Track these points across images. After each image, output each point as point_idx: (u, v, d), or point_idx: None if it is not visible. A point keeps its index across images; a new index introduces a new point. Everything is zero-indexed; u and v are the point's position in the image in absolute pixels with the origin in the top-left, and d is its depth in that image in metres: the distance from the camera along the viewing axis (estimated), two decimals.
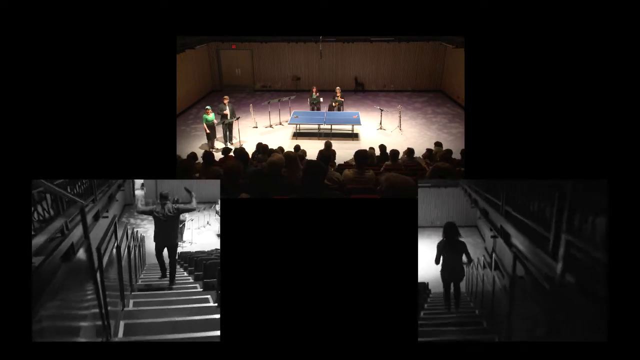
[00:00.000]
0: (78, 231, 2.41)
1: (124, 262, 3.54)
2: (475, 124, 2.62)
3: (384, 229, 2.20)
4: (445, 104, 13.06)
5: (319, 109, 11.46)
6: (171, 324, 3.08)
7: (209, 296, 4.24)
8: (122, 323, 3.06)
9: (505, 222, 3.10)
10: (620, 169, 2.33)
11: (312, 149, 7.33)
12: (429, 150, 7.54)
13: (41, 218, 2.19)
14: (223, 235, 2.25)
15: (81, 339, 2.04)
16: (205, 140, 9.54)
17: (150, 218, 4.98)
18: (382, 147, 7.01)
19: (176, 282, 5.12)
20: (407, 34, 8.85)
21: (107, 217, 3.57)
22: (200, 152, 7.44)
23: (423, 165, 6.15)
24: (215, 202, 11.26)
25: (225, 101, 9.37)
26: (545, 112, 2.53)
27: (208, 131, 9.10)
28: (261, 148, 6.96)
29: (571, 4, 2.47)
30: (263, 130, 10.78)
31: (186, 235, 9.51)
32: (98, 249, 2.55)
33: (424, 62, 14.34)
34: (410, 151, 6.78)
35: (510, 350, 2.17)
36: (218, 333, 2.53)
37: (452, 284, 4.18)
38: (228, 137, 9.58)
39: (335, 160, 6.69)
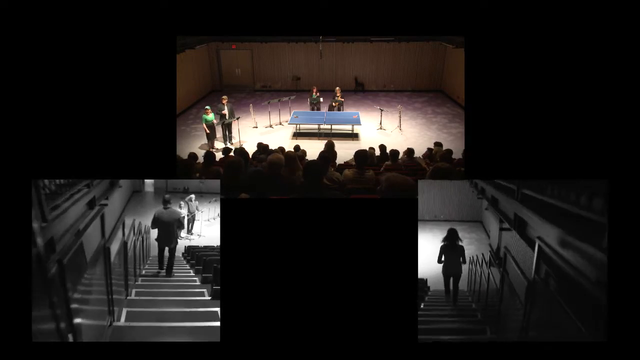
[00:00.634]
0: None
1: (130, 254, 3.86)
2: (475, 124, 2.62)
3: (384, 229, 2.20)
4: (445, 104, 13.06)
5: (319, 109, 11.46)
6: (168, 313, 3.42)
7: (205, 290, 4.49)
8: (124, 310, 3.29)
9: (521, 209, 2.74)
10: (620, 169, 2.33)
11: (312, 149, 7.33)
12: (429, 149, 7.54)
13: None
14: (223, 235, 2.26)
15: (90, 322, 2.30)
16: (205, 140, 9.54)
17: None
18: (382, 147, 7.01)
19: (178, 276, 5.54)
20: (407, 34, 8.85)
21: (106, 204, 3.25)
22: (200, 152, 7.44)
23: (423, 165, 6.15)
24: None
25: (224, 101, 9.36)
26: (545, 112, 2.53)
27: (208, 131, 9.10)
28: (262, 148, 6.96)
29: (571, 4, 2.47)
30: (263, 130, 10.78)
31: (196, 227, 9.42)
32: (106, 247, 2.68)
33: (424, 62, 14.34)
34: (410, 151, 6.78)
35: (510, 350, 2.17)
36: (212, 324, 3.00)
37: (451, 280, 4.97)
38: (227, 137, 9.58)
39: (336, 160, 6.68)
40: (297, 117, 10.50)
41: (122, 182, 9.06)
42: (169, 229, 5.50)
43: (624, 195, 2.18)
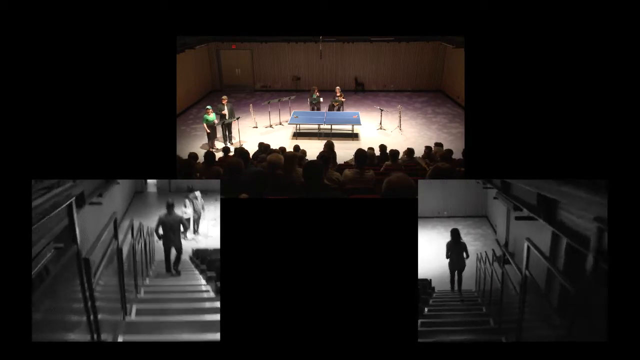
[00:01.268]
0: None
1: (127, 264, 3.45)
2: (475, 124, 2.62)
3: (384, 229, 2.20)
4: (445, 104, 13.06)
5: (319, 109, 11.46)
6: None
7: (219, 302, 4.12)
8: (134, 306, 3.19)
9: (550, 185, 2.48)
10: (621, 169, 2.33)
11: (312, 149, 7.33)
12: (428, 148, 7.51)
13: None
14: (223, 235, 2.26)
15: (107, 317, 2.30)
16: (205, 140, 9.54)
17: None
18: (382, 147, 7.01)
19: (187, 285, 5.33)
20: (407, 34, 8.83)
21: (99, 203, 3.11)
22: (200, 152, 7.44)
23: (423, 165, 6.15)
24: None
25: (224, 101, 9.36)
26: (545, 112, 2.53)
27: (208, 131, 9.10)
28: (263, 148, 6.96)
29: (571, 4, 2.47)
30: (263, 130, 10.78)
31: (202, 227, 8.86)
32: (86, 258, 2.23)
33: (424, 62, 14.34)
34: (410, 151, 6.78)
35: (510, 350, 2.17)
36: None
37: (456, 273, 5.85)
38: (227, 137, 9.58)
39: (336, 160, 6.68)
40: (297, 117, 10.50)
41: (123, 182, 8.87)
42: (173, 230, 5.88)
43: (624, 195, 2.18)
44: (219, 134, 9.70)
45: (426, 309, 4.83)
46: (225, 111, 9.30)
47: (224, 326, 2.20)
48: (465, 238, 7.95)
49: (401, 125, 10.59)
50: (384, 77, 14.78)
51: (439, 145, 7.82)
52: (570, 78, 2.50)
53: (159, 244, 6.23)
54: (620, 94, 2.41)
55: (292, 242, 2.21)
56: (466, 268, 5.92)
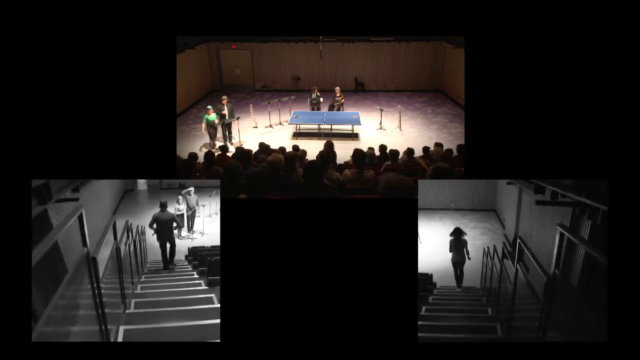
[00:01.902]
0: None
1: (124, 261, 3.66)
2: (475, 124, 2.62)
3: (384, 229, 2.20)
4: (445, 104, 13.05)
5: (319, 109, 11.46)
6: (174, 330, 3.26)
7: (212, 295, 4.28)
8: (122, 329, 3.19)
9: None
10: (621, 169, 2.33)
11: (312, 149, 7.33)
12: (425, 148, 7.49)
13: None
14: (223, 235, 2.26)
15: (110, 310, 2.49)
16: (205, 140, 9.53)
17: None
18: (382, 147, 7.01)
19: (183, 282, 5.40)
20: (407, 34, 8.82)
21: (75, 199, 3.03)
22: (200, 152, 7.43)
23: (423, 166, 6.15)
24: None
25: (224, 101, 9.36)
26: (545, 111, 2.53)
27: (202, 132, 9.04)
28: (263, 148, 6.96)
29: (571, 4, 2.47)
30: (263, 130, 10.77)
31: (197, 224, 8.64)
32: (94, 257, 2.39)
33: (424, 62, 14.33)
34: (410, 151, 6.78)
35: (510, 349, 2.17)
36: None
37: (457, 267, 6.20)
38: (227, 137, 9.58)
39: (336, 160, 6.67)
40: (297, 117, 10.49)
41: (112, 182, 8.83)
42: (167, 226, 6.22)
43: (624, 195, 2.18)
44: (219, 134, 9.70)
45: (424, 308, 4.61)
46: (225, 111, 9.29)
47: (224, 326, 2.20)
48: (472, 232, 7.92)
49: (401, 125, 10.58)
50: (384, 77, 14.77)
51: (438, 145, 7.81)
52: (570, 78, 2.50)
53: (151, 242, 6.42)
54: (620, 94, 2.41)
55: (292, 242, 2.21)
56: (471, 263, 6.11)
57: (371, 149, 6.99)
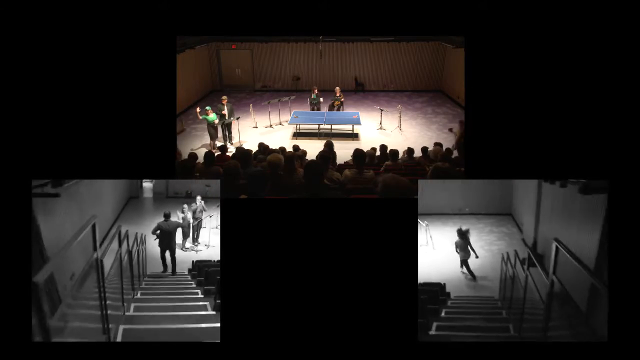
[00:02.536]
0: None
1: (125, 267, 3.76)
2: (475, 124, 2.62)
3: (383, 229, 2.20)
4: (445, 104, 13.05)
5: (319, 109, 11.46)
6: (170, 330, 3.35)
7: (207, 303, 4.29)
8: (121, 328, 3.23)
9: None
10: (621, 169, 2.33)
11: (312, 149, 7.33)
12: (424, 148, 7.47)
13: None
14: (223, 235, 2.26)
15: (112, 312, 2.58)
16: (205, 141, 9.53)
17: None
18: (383, 147, 7.01)
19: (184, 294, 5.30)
20: (407, 34, 8.81)
21: (56, 195, 3.05)
22: (200, 152, 7.43)
23: (425, 167, 6.14)
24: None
25: (224, 101, 9.36)
26: (545, 112, 2.53)
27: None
28: (263, 148, 6.96)
29: (571, 4, 2.47)
30: (263, 130, 10.78)
31: (203, 235, 8.16)
32: (101, 260, 2.57)
33: (424, 62, 14.33)
34: (410, 151, 6.78)
35: (511, 349, 2.17)
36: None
37: (465, 264, 6.28)
38: (227, 137, 9.58)
39: (336, 160, 6.68)
40: (297, 117, 10.50)
41: (115, 186, 8.71)
42: (170, 236, 6.24)
43: (624, 195, 2.18)
44: (219, 134, 9.70)
45: (435, 325, 3.95)
46: (225, 111, 9.29)
47: (224, 326, 2.20)
48: (488, 237, 7.64)
49: (401, 125, 10.59)
50: (384, 77, 14.77)
51: (438, 145, 7.80)
52: (570, 78, 2.50)
53: (151, 253, 6.39)
54: (620, 94, 2.41)
55: (292, 242, 2.21)
56: (489, 271, 6.03)
57: (373, 149, 6.99)
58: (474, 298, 5.52)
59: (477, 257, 6.21)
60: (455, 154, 7.43)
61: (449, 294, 5.56)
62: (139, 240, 5.29)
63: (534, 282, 2.79)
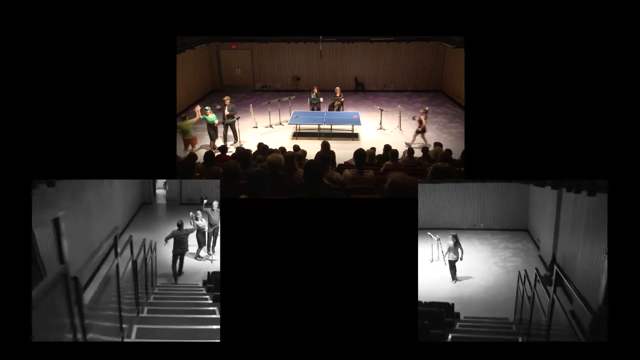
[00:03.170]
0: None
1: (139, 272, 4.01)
2: (475, 124, 2.62)
3: (383, 229, 2.20)
4: (445, 104, 13.06)
5: (319, 109, 11.45)
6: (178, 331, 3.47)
7: (215, 308, 4.24)
8: (135, 327, 3.41)
9: None
10: (621, 169, 2.33)
11: (312, 149, 7.32)
12: (424, 149, 7.47)
13: None
14: (223, 235, 2.26)
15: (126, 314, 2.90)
16: (205, 142, 9.53)
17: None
18: (387, 147, 6.98)
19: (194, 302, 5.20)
20: (407, 34, 8.81)
21: (51, 185, 3.03)
22: (200, 152, 7.42)
23: (426, 168, 6.14)
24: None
25: (227, 102, 9.37)
26: (545, 112, 2.53)
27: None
28: (262, 148, 6.96)
29: (571, 4, 2.47)
30: (263, 130, 10.77)
31: (219, 244, 7.84)
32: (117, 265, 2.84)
33: (424, 62, 14.33)
34: (410, 151, 6.78)
35: (512, 349, 2.17)
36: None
37: (452, 265, 6.53)
38: (233, 137, 9.58)
39: (335, 160, 6.67)
40: (297, 117, 10.49)
41: (127, 193, 8.55)
42: (183, 241, 6.44)
43: (624, 195, 2.18)
44: (219, 134, 9.69)
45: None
46: (227, 111, 9.30)
47: (224, 326, 2.20)
48: (503, 253, 7.39)
49: (401, 125, 10.59)
50: (384, 77, 14.77)
51: (438, 145, 7.81)
52: (570, 78, 2.50)
53: (161, 259, 6.42)
54: (620, 94, 2.41)
55: (293, 242, 2.21)
56: (503, 290, 5.76)
57: (373, 148, 6.99)
58: (485, 320, 4.92)
59: (461, 259, 6.48)
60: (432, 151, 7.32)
61: (458, 314, 5.00)
62: (148, 247, 5.09)
63: (561, 305, 2.53)
